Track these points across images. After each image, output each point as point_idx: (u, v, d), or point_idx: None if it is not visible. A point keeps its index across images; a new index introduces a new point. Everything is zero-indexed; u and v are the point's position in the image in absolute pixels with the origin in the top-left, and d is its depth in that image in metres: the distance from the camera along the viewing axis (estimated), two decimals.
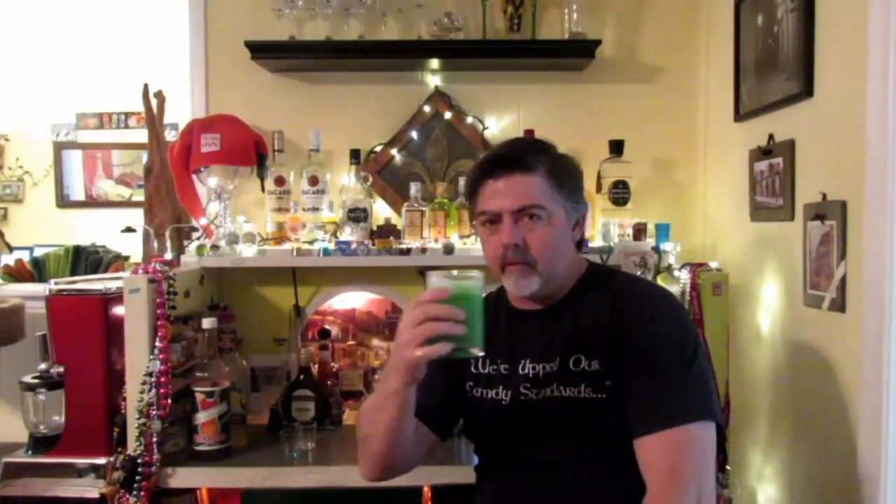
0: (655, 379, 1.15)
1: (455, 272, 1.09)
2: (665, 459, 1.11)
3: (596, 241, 2.07)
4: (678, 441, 1.11)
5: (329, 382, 2.10)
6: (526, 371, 1.26)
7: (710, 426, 1.14)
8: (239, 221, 2.12)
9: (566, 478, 1.21)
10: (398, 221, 2.23)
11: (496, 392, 1.29)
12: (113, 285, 1.84)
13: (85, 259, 3.04)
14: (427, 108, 2.31)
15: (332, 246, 2.03)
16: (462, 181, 2.16)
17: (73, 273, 2.95)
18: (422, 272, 2.22)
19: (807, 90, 1.67)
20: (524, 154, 1.26)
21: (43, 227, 4.41)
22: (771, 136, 1.85)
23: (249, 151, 2.10)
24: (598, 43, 2.20)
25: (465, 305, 1.04)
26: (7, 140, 4.59)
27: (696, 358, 1.17)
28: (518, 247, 1.22)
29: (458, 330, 1.03)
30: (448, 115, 2.30)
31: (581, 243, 1.35)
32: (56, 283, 1.86)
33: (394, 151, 2.32)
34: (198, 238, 2.10)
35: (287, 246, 2.09)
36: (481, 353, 1.07)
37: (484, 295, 1.10)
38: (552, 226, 1.23)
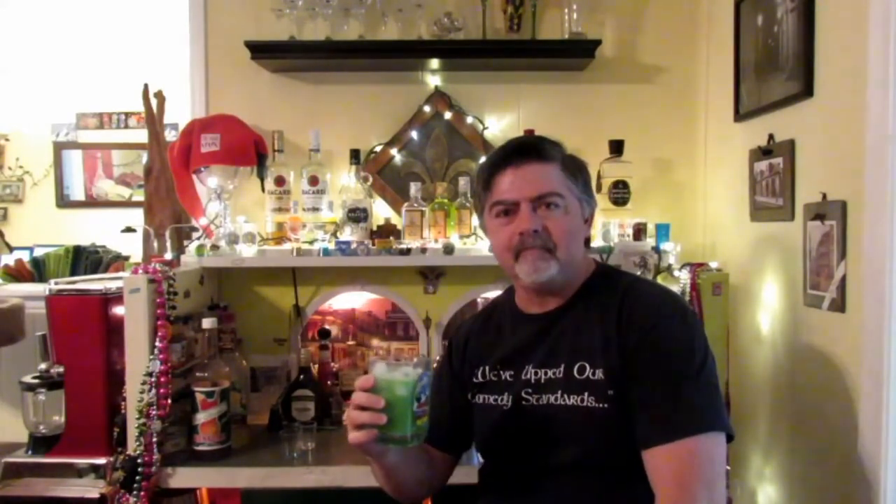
0: (664, 388, 1.12)
1: (396, 360, 1.15)
2: (675, 471, 1.09)
3: (596, 241, 2.07)
4: (688, 452, 1.08)
5: (329, 382, 2.10)
6: (528, 376, 1.25)
7: (720, 437, 1.12)
8: (239, 221, 2.12)
9: (567, 486, 1.19)
10: (398, 221, 2.23)
11: (497, 398, 1.28)
12: (113, 285, 1.83)
13: (85, 259, 3.04)
14: (427, 108, 2.31)
15: (332, 246, 2.03)
16: (462, 181, 2.17)
17: (73, 273, 2.95)
18: (423, 273, 2.23)
19: (807, 90, 1.67)
20: (541, 143, 1.27)
21: (43, 227, 4.41)
22: (771, 136, 1.85)
23: (249, 151, 2.10)
24: (598, 43, 2.20)
25: (389, 396, 1.09)
26: (7, 140, 4.59)
27: (705, 366, 1.15)
28: (538, 233, 1.21)
29: (378, 419, 1.08)
30: (448, 115, 2.30)
31: (588, 241, 1.34)
32: (56, 283, 1.85)
33: (394, 151, 2.32)
34: (198, 238, 2.10)
35: (287, 246, 2.09)
36: (409, 443, 1.11)
37: (426, 371, 1.12)
38: (569, 213, 1.24)
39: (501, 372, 1.29)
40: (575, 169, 1.28)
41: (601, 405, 1.16)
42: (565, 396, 1.20)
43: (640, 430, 1.13)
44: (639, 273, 1.91)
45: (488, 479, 1.33)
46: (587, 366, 1.19)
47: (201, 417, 1.76)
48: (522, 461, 1.24)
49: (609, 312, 1.21)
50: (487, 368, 1.31)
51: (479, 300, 2.20)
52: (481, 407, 1.31)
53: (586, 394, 1.18)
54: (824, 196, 1.60)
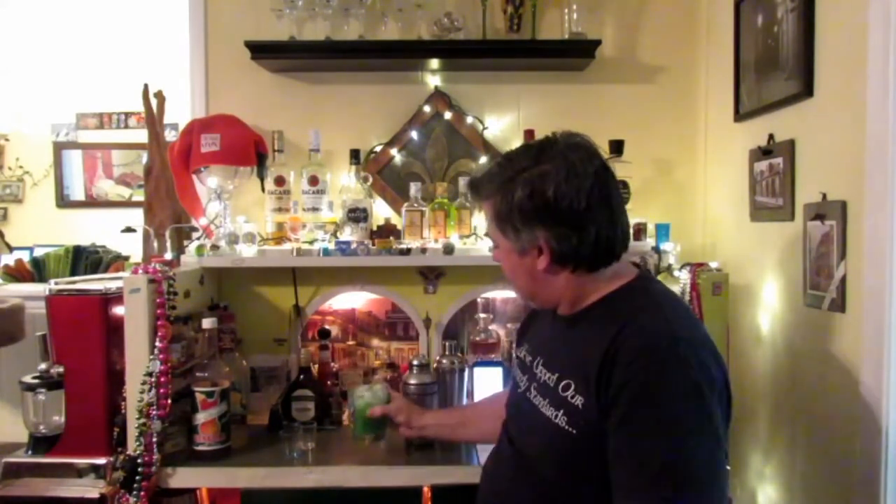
0: (639, 451, 1.02)
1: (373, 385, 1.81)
2: None
3: None
4: None
5: (329, 382, 2.10)
6: (538, 371, 1.27)
7: None
8: (239, 221, 2.12)
9: (534, 484, 1.19)
10: (398, 221, 2.23)
11: (519, 378, 1.35)
12: (113, 285, 1.83)
13: (85, 259, 3.04)
14: (427, 108, 2.31)
15: (332, 246, 2.03)
16: (462, 181, 2.17)
17: (73, 273, 2.95)
18: (423, 273, 2.23)
19: (807, 90, 1.67)
20: (480, 181, 1.23)
21: (43, 227, 4.42)
22: (771, 136, 1.85)
23: (249, 151, 2.10)
24: (598, 43, 2.20)
25: (351, 406, 1.75)
26: (7, 140, 4.59)
27: (701, 420, 1.02)
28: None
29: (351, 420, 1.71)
30: (448, 115, 2.30)
31: (595, 262, 1.17)
32: (56, 283, 1.85)
33: (394, 151, 2.32)
34: (198, 238, 2.10)
35: (287, 246, 2.09)
36: (364, 440, 1.76)
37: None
38: (504, 253, 1.25)
39: (527, 356, 1.34)
40: (504, 207, 1.16)
41: (570, 429, 1.12)
42: (548, 407, 1.17)
43: (615, 482, 1.05)
44: None
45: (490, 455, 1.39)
46: (571, 385, 1.14)
47: (201, 417, 1.76)
48: (510, 444, 1.29)
49: (604, 341, 1.09)
50: (526, 347, 1.37)
51: (479, 300, 2.20)
52: (512, 378, 1.40)
53: (562, 412, 1.14)
54: (824, 196, 1.60)
